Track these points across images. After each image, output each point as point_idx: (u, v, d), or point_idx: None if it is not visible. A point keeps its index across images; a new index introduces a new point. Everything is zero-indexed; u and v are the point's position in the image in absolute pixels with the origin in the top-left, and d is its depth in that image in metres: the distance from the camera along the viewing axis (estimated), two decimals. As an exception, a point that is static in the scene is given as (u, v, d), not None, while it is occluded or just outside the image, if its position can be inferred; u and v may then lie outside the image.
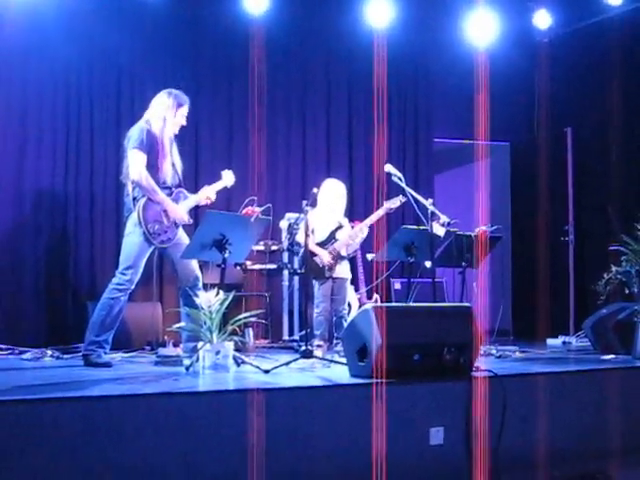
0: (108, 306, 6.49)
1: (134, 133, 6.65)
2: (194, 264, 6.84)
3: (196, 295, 6.16)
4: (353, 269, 8.42)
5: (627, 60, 9.78)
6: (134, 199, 6.59)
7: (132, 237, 6.60)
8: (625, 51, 9.70)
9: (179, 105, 6.82)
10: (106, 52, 9.07)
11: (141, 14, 8.94)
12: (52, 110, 8.83)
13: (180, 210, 6.76)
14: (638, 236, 7.19)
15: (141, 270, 6.65)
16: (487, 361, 6.71)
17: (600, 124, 10.26)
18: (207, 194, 7.03)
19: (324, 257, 7.89)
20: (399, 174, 7.59)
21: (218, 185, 7.10)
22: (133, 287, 6.62)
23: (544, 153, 10.80)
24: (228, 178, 7.12)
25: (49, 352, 7.28)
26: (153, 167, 6.61)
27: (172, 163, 6.80)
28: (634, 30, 9.80)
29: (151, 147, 6.61)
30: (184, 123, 6.92)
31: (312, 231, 7.75)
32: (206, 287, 6.68)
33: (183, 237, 6.80)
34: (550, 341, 9.33)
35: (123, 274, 6.55)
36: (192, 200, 6.94)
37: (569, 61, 10.93)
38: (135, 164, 6.54)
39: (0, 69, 8.44)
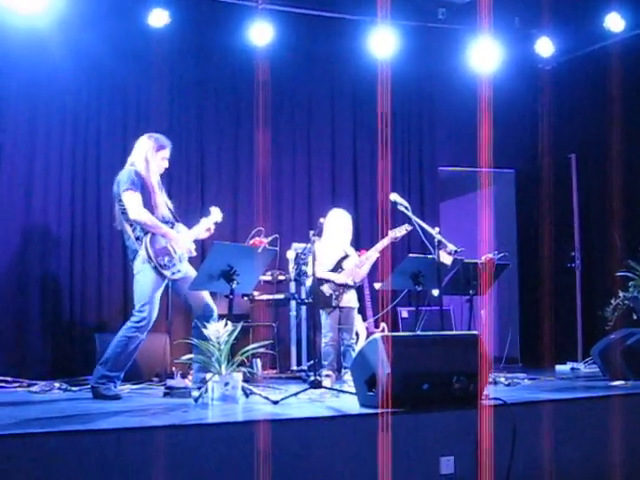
0: (124, 344, 6.47)
1: (123, 177, 6.67)
2: (205, 295, 6.84)
3: (205, 326, 6.15)
4: (360, 298, 8.41)
5: (629, 85, 9.82)
6: (137, 239, 6.60)
7: (143, 275, 6.58)
8: (627, 76, 9.74)
9: (160, 147, 6.86)
10: (113, 83, 9.18)
11: (147, 48, 8.96)
12: (59, 148, 8.90)
13: (185, 239, 6.78)
14: (645, 261, 7.18)
15: (157, 306, 6.61)
16: (496, 389, 6.70)
17: (604, 150, 10.26)
18: (206, 226, 7.03)
19: (339, 279, 7.92)
20: (405, 203, 7.60)
21: (209, 220, 7.09)
22: (152, 323, 6.62)
23: (549, 180, 10.83)
24: (216, 214, 7.11)
25: (57, 385, 7.26)
26: (148, 205, 6.63)
27: (164, 201, 6.84)
28: (635, 56, 9.85)
29: (142, 187, 6.64)
30: (166, 166, 6.96)
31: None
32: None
33: (190, 270, 6.81)
34: (558, 368, 9.31)
35: (140, 311, 6.52)
36: (194, 231, 6.95)
37: (572, 88, 10.98)
38: (132, 205, 6.56)
39: (9, 105, 8.51)
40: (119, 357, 6.48)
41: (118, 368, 6.50)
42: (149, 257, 6.50)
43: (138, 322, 6.52)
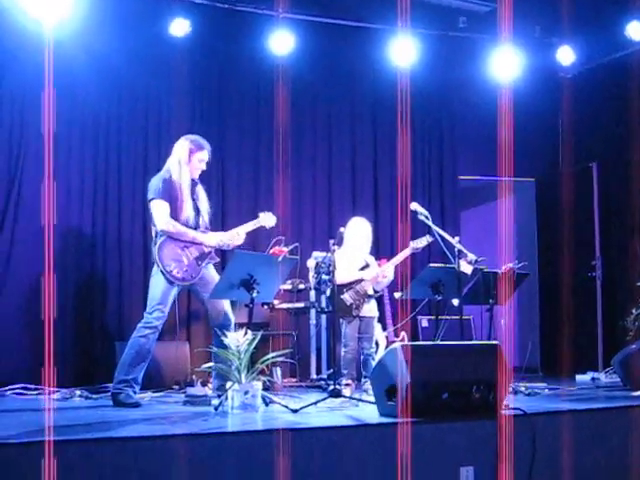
0: (137, 345, 6.55)
1: (153, 183, 6.76)
2: (225, 304, 6.86)
3: (224, 335, 6.16)
4: (380, 307, 8.41)
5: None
6: (155, 244, 6.67)
7: (155, 278, 6.69)
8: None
9: (197, 149, 6.88)
10: (134, 93, 9.21)
11: (168, 57, 8.95)
12: (80, 151, 8.91)
13: (215, 237, 6.85)
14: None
15: (167, 309, 6.69)
16: (516, 399, 6.67)
17: (625, 159, 10.21)
18: (250, 227, 7.06)
19: (372, 272, 7.92)
20: (425, 212, 7.61)
21: (255, 223, 7.11)
22: (161, 326, 6.66)
23: (569, 189, 10.78)
24: (264, 219, 7.12)
25: (78, 392, 7.31)
26: (175, 210, 6.70)
27: (195, 207, 6.85)
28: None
29: (170, 194, 6.69)
30: (203, 168, 6.98)
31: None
32: (234, 326, 6.71)
33: (213, 276, 6.83)
34: (579, 377, 9.25)
35: (150, 313, 6.62)
36: (238, 229, 7.00)
37: (593, 96, 10.94)
38: (158, 214, 6.65)
39: (30, 116, 8.52)
40: (134, 359, 6.55)
41: (134, 371, 6.55)
42: (156, 261, 6.59)
43: (148, 323, 6.62)
